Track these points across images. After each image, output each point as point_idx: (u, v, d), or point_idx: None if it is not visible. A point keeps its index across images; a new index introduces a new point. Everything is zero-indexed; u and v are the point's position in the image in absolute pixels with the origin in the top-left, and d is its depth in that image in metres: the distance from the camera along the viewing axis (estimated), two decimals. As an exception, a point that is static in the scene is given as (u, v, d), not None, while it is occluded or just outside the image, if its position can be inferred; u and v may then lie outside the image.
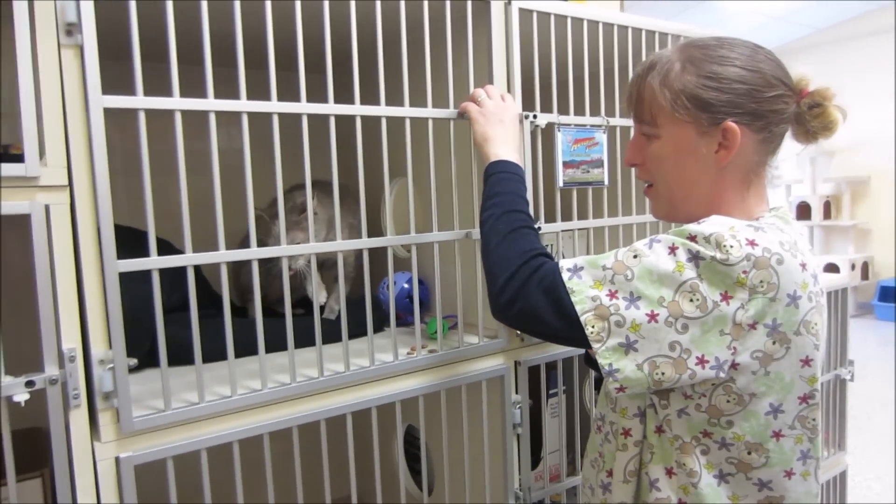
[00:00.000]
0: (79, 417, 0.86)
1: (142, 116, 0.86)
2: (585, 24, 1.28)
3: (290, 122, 1.01)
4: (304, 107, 0.99)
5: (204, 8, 0.90)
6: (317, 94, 1.02)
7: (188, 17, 0.94)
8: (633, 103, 0.93)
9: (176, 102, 0.88)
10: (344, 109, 1.03)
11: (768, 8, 5.12)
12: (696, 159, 0.88)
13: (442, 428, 1.18)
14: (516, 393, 1.26)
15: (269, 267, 1.22)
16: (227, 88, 0.96)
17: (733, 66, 0.86)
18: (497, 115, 1.08)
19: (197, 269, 0.95)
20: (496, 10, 1.18)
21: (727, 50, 0.87)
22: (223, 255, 0.95)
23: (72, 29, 0.80)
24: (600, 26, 1.30)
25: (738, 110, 0.85)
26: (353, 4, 1.03)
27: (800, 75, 0.89)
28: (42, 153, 0.81)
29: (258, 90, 0.98)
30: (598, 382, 1.47)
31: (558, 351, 1.32)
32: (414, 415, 1.19)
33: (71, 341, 0.84)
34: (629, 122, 1.36)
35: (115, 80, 0.89)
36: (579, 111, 1.29)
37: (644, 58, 1.39)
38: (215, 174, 0.93)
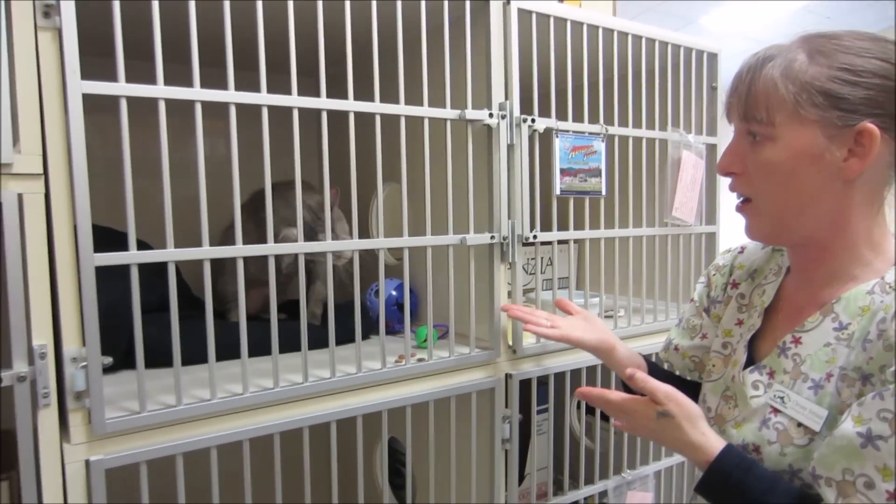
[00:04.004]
0: (48, 417, 0.82)
1: (123, 105, 0.83)
2: (585, 28, 1.26)
3: (277, 119, 0.98)
4: (295, 100, 0.96)
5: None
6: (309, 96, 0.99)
7: (176, 11, 0.91)
8: (743, 99, 0.78)
9: (160, 90, 0.85)
10: (337, 104, 1.00)
11: (755, 32, 5.15)
12: (819, 168, 0.75)
13: (429, 440, 1.14)
14: (506, 407, 1.23)
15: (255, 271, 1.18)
16: (215, 87, 0.93)
17: (874, 58, 0.73)
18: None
19: (176, 271, 0.92)
20: (495, 10, 1.16)
21: (862, 41, 0.74)
22: (206, 252, 0.91)
23: (49, 10, 0.77)
24: (600, 31, 1.28)
25: (878, 110, 0.72)
26: (348, 3, 1.00)
27: None
28: (16, 140, 0.77)
29: (248, 90, 0.95)
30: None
31: (551, 365, 1.28)
32: (396, 426, 1.14)
33: (42, 337, 0.80)
34: (628, 132, 1.34)
35: (97, 77, 0.86)
36: (578, 118, 1.27)
37: (644, 66, 1.38)
38: (200, 168, 0.89)
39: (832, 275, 0.81)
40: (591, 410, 1.56)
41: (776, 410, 0.79)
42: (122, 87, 0.82)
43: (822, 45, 0.75)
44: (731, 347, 0.92)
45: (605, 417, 1.41)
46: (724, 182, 1.34)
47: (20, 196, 0.77)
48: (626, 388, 0.93)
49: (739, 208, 0.84)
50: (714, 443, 0.78)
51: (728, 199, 1.31)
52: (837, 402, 0.74)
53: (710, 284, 1.02)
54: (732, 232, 1.60)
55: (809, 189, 0.77)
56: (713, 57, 1.52)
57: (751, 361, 0.87)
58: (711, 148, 1.52)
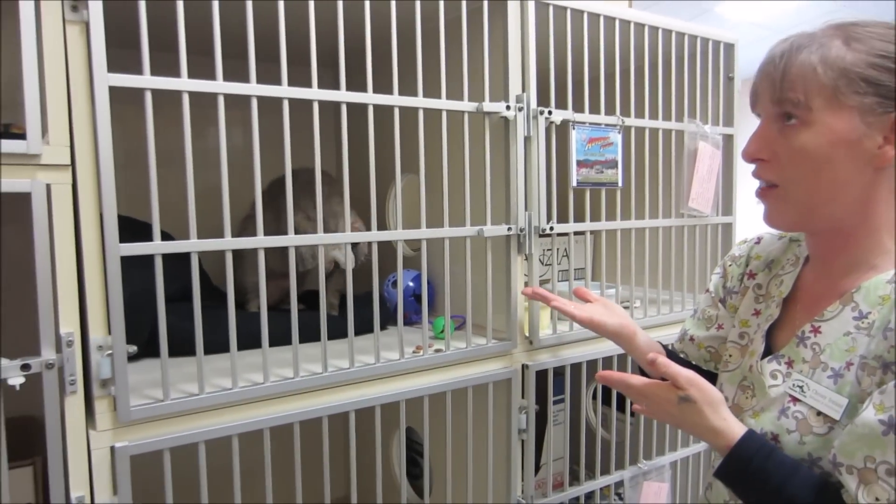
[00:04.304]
0: (75, 404, 0.83)
1: (148, 97, 0.84)
2: (602, 20, 1.26)
3: (296, 109, 0.98)
4: (315, 93, 0.97)
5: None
6: (331, 89, 0.99)
7: (199, 5, 0.92)
8: (778, 83, 0.77)
9: (184, 83, 0.86)
10: (356, 97, 1.01)
11: (772, 20, 5.09)
12: (855, 155, 0.75)
13: (446, 430, 1.15)
14: (523, 397, 1.23)
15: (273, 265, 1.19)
16: (236, 79, 0.94)
17: None
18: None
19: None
20: (513, 2, 1.16)
21: (894, 29, 0.76)
22: (228, 243, 0.92)
23: (78, 5, 0.78)
24: (616, 23, 1.28)
25: None
26: (367, -5, 1.01)
27: None
28: (45, 131, 0.79)
29: (269, 82, 0.95)
30: (607, 389, 1.44)
31: (568, 356, 1.29)
32: (413, 416, 1.16)
33: (69, 325, 0.82)
34: (645, 123, 1.34)
35: (121, 69, 0.87)
36: (594, 110, 1.27)
37: (660, 57, 1.38)
38: (223, 160, 0.90)
39: (853, 264, 0.81)
40: (606, 401, 1.57)
41: (795, 399, 0.79)
42: (147, 80, 0.83)
43: (856, 33, 0.75)
44: (749, 338, 0.92)
45: (620, 408, 1.42)
46: (741, 173, 1.34)
47: (48, 186, 0.79)
48: (645, 376, 0.93)
49: (761, 194, 0.83)
50: (735, 428, 0.78)
51: (744, 190, 1.31)
52: (857, 390, 0.74)
53: (725, 275, 1.02)
54: (749, 222, 1.60)
55: (843, 176, 0.76)
56: (730, 47, 1.51)
57: (768, 351, 0.87)
58: (728, 138, 1.51)
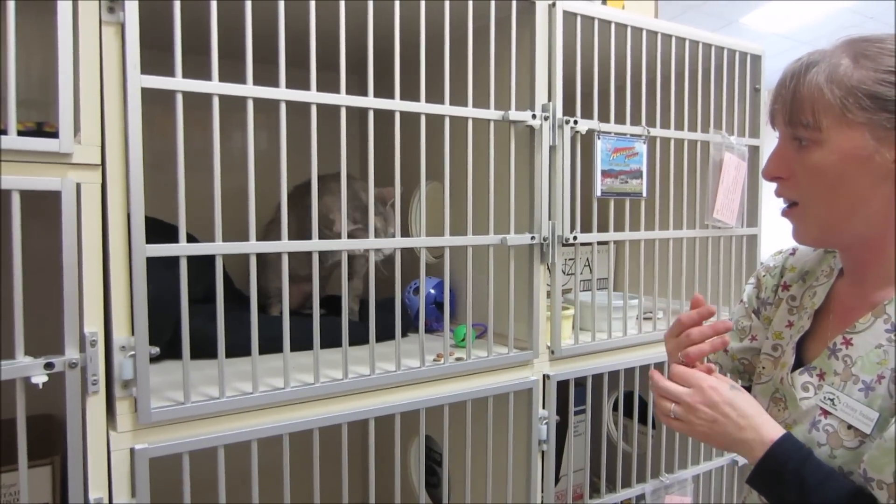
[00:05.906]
0: (96, 404, 0.83)
1: (179, 100, 0.84)
2: (629, 30, 1.25)
3: (321, 114, 0.98)
4: (343, 98, 0.97)
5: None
6: (357, 94, 0.99)
7: (230, 10, 0.92)
8: (788, 104, 0.79)
9: (215, 86, 0.86)
10: (383, 104, 1.01)
11: (797, 32, 5.06)
12: (868, 170, 0.75)
13: (466, 440, 1.14)
14: (543, 408, 1.22)
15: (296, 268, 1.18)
16: (261, 83, 0.94)
17: None
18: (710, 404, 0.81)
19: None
20: (541, 11, 1.16)
21: None
22: (253, 246, 0.92)
23: (114, 6, 0.79)
24: (643, 33, 1.27)
25: None
26: (397, 4, 1.01)
27: None
28: (76, 130, 0.79)
29: (294, 86, 0.96)
30: (628, 401, 1.42)
31: (590, 366, 1.27)
32: (431, 425, 1.14)
33: (93, 325, 0.82)
34: (670, 134, 1.33)
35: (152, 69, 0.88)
36: (620, 120, 1.26)
37: (686, 68, 1.37)
38: (250, 164, 0.90)
39: (884, 276, 0.80)
40: (628, 413, 1.55)
41: (826, 412, 0.78)
42: (179, 83, 0.84)
43: (865, 49, 0.75)
44: (781, 349, 0.91)
45: (642, 420, 1.40)
46: (766, 184, 1.32)
47: (78, 185, 0.79)
48: None
49: (786, 213, 0.84)
50: (772, 428, 0.77)
51: (770, 201, 1.29)
52: (889, 404, 0.73)
53: (759, 286, 1.01)
54: (774, 234, 1.57)
55: (859, 191, 0.76)
56: (756, 59, 1.50)
57: (799, 363, 0.86)
58: (754, 149, 1.50)
